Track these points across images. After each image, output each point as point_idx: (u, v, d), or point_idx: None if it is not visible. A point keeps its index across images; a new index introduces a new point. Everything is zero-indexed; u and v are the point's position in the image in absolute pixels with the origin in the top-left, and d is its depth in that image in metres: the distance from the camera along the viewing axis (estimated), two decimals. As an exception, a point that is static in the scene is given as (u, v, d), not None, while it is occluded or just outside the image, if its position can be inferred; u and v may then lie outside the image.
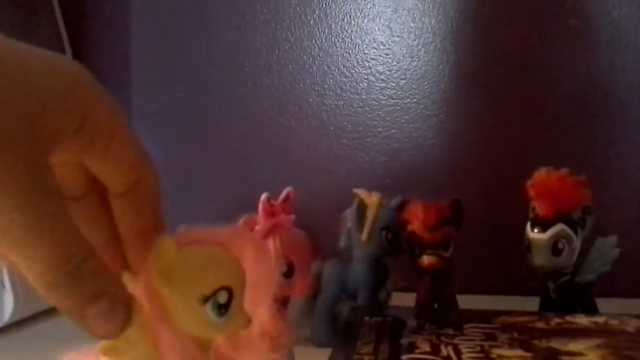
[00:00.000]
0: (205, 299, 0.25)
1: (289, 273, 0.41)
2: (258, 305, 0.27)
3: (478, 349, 0.39)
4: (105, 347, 0.27)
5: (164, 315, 0.26)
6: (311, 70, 0.78)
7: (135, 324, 0.26)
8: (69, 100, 0.23)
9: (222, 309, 0.25)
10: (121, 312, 0.22)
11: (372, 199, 0.52)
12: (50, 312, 0.68)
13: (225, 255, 0.27)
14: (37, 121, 0.21)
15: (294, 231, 0.42)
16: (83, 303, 0.22)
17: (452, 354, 0.39)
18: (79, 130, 0.23)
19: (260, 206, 0.39)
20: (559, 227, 0.48)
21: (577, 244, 0.48)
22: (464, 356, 0.38)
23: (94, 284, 0.22)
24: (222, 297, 0.25)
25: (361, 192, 0.54)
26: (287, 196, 0.41)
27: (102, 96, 0.24)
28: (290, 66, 0.79)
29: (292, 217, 0.42)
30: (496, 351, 0.39)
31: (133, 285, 0.24)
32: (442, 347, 0.40)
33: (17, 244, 0.21)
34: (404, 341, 0.41)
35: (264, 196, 0.39)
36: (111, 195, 0.26)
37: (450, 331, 0.43)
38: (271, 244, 0.40)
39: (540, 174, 0.50)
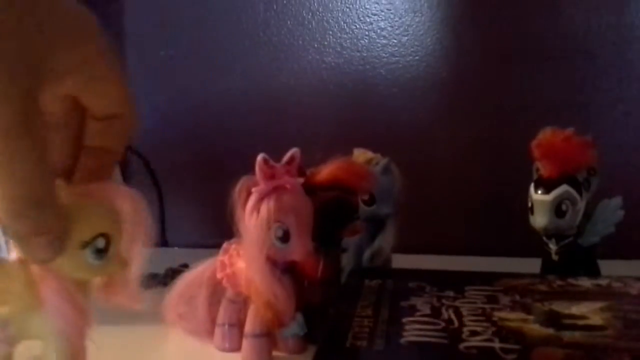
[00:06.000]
0: (85, 245, 0.28)
1: (284, 238, 0.39)
2: (134, 250, 0.30)
3: (479, 311, 0.39)
4: None
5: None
6: (310, 26, 0.76)
7: (20, 276, 0.28)
8: (79, 43, 0.28)
9: (101, 253, 0.29)
10: (58, 245, 0.27)
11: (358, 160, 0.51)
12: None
13: (104, 206, 0.30)
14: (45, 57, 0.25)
15: (298, 194, 0.40)
16: (35, 232, 0.26)
17: (453, 317, 0.38)
18: (79, 70, 0.28)
19: (257, 169, 0.38)
20: (564, 188, 0.47)
21: (581, 205, 0.47)
22: (465, 319, 0.38)
23: (48, 220, 0.27)
24: (101, 243, 0.29)
25: (359, 152, 0.52)
26: (292, 157, 0.39)
27: (101, 39, 0.30)
28: (288, 22, 0.77)
29: (300, 179, 0.40)
30: (498, 314, 0.38)
31: (63, 194, 0.28)
32: (443, 310, 0.39)
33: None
34: (405, 304, 0.41)
35: (259, 158, 0.37)
36: (89, 117, 0.30)
37: (452, 294, 0.42)
38: (264, 206, 0.38)
39: (546, 134, 0.48)
